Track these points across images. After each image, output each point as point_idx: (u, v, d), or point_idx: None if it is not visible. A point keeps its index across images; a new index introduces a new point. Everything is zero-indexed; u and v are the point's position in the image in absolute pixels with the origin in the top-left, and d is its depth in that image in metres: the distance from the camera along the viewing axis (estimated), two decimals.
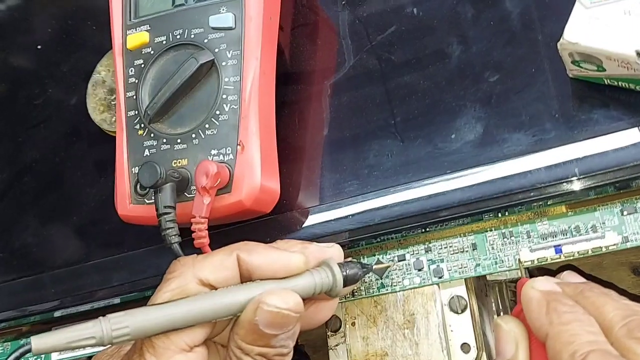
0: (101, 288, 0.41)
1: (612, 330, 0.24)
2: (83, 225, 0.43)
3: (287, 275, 0.30)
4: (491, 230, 0.34)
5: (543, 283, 0.28)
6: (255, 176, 0.35)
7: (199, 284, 0.29)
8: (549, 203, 0.33)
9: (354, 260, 0.33)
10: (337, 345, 0.37)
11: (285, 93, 0.40)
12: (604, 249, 0.32)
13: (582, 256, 0.32)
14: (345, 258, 0.34)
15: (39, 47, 0.48)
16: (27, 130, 0.46)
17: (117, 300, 0.42)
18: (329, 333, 0.37)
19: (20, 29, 0.50)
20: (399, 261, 0.36)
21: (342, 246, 0.36)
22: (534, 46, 0.35)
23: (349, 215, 0.36)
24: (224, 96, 0.35)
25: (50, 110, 0.46)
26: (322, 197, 0.37)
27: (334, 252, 0.33)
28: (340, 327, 0.37)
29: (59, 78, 0.47)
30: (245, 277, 0.30)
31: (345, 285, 0.32)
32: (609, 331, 0.24)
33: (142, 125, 0.37)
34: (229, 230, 0.38)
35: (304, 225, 0.37)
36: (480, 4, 0.37)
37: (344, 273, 0.31)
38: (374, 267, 0.34)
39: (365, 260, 0.37)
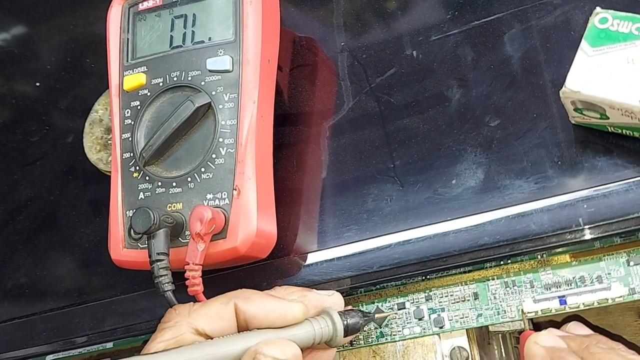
0: (93, 332, 0.40)
1: None
2: (76, 267, 0.42)
3: (285, 325, 0.29)
4: (493, 279, 0.33)
5: (547, 338, 0.27)
6: (251, 221, 0.34)
7: (194, 334, 0.28)
8: (552, 252, 0.32)
9: (355, 308, 0.32)
10: None
11: (283, 134, 0.39)
12: (609, 301, 0.31)
13: (587, 308, 0.31)
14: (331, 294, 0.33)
15: (37, 84, 0.48)
16: (23, 168, 0.46)
17: (109, 345, 0.41)
18: None
19: (19, 65, 0.50)
20: (398, 309, 0.35)
21: (340, 293, 0.35)
22: (536, 91, 0.35)
23: (347, 261, 0.35)
24: (220, 139, 0.35)
25: (47, 148, 0.46)
26: (320, 242, 0.36)
27: (334, 300, 0.32)
28: None
29: (56, 115, 0.47)
30: (243, 327, 0.29)
31: (346, 335, 0.31)
32: None
33: (137, 167, 0.36)
34: (224, 275, 0.37)
35: (301, 271, 0.36)
36: (480, 47, 0.37)
37: (345, 322, 0.30)
38: (375, 316, 0.33)
39: (364, 308, 0.36)
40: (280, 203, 0.37)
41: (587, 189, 0.31)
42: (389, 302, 0.35)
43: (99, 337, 0.40)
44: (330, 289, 0.33)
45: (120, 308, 0.40)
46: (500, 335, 0.37)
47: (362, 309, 0.32)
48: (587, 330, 0.31)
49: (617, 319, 0.44)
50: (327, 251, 0.36)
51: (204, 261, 0.33)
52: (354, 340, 0.35)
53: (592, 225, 0.31)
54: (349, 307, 0.33)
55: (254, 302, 0.29)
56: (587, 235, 0.31)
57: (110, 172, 0.40)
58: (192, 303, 0.30)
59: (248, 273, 0.37)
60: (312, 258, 0.36)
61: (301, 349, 0.28)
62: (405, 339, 0.34)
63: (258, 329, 0.29)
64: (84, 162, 0.42)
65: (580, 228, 0.31)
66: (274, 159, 0.37)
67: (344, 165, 0.37)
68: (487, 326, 0.33)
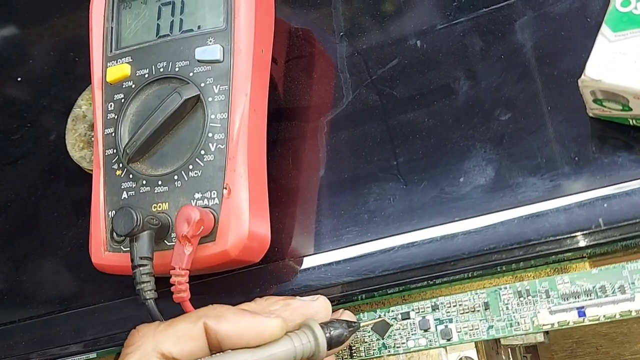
0: (75, 342, 0.37)
1: None
2: (58, 272, 0.39)
3: (262, 343, 0.26)
4: (505, 288, 0.31)
5: None
6: (243, 223, 0.31)
7: (160, 358, 0.25)
8: (569, 257, 0.30)
9: (339, 319, 0.29)
10: None
11: (278, 130, 0.37)
12: (633, 313, 0.28)
13: (608, 320, 0.29)
14: (340, 313, 0.31)
15: (19, 79, 0.46)
16: (3, 167, 0.43)
17: (93, 355, 0.38)
18: None
19: (0, 61, 0.48)
20: (402, 319, 0.32)
21: (339, 300, 0.33)
22: (550, 82, 0.32)
23: (347, 266, 0.32)
24: (210, 135, 0.32)
25: (28, 146, 0.43)
26: (317, 245, 0.34)
27: (319, 306, 0.29)
28: None
29: (38, 112, 0.44)
30: (215, 347, 0.26)
31: (330, 347, 0.28)
32: None
33: (121, 165, 0.34)
34: (214, 281, 0.34)
35: (297, 276, 0.33)
36: (489, 36, 0.34)
37: (328, 334, 0.28)
38: (362, 324, 0.31)
39: (365, 317, 0.33)
40: (275, 203, 0.34)
41: (606, 186, 0.29)
42: (392, 311, 0.33)
43: (81, 347, 0.37)
44: (323, 295, 0.30)
45: (104, 316, 0.37)
46: (509, 347, 0.34)
47: (347, 319, 0.30)
48: None
49: (632, 327, 0.42)
50: (325, 255, 0.33)
51: (191, 266, 0.30)
52: (355, 352, 0.33)
53: (613, 226, 0.28)
54: (340, 311, 0.30)
55: (226, 320, 0.26)
56: (608, 237, 0.28)
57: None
58: (157, 323, 0.28)
59: (239, 278, 0.34)
60: (308, 262, 0.33)
61: None
62: (409, 352, 0.32)
63: (232, 349, 0.26)
64: (67, 161, 0.40)
65: (601, 229, 0.28)
66: (268, 156, 0.34)
67: (343, 163, 0.35)
68: (498, 339, 0.31)
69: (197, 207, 0.31)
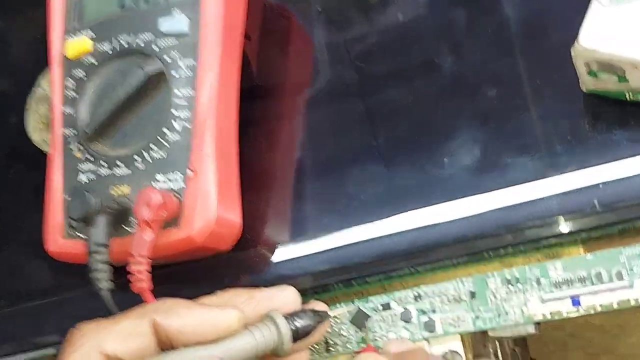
0: (32, 336, 0.35)
1: None
2: (16, 262, 0.37)
3: (218, 337, 0.24)
4: (493, 276, 0.28)
5: None
6: (210, 207, 0.29)
7: (104, 359, 0.23)
8: (562, 242, 0.28)
9: (306, 308, 0.27)
10: None
11: (251, 110, 0.34)
12: (632, 302, 0.26)
13: (605, 310, 0.26)
14: (310, 305, 0.28)
15: None
16: None
17: (52, 351, 0.35)
18: None
19: None
20: (383, 310, 0.30)
21: (315, 291, 0.31)
22: (540, 55, 0.30)
23: (323, 254, 0.30)
24: (175, 112, 0.30)
25: None
26: (292, 231, 0.31)
27: (286, 297, 0.27)
28: None
29: None
30: (165, 345, 0.24)
31: (296, 339, 0.26)
32: None
33: (79, 145, 0.31)
34: (179, 270, 0.32)
35: (270, 265, 0.31)
36: (474, 7, 0.32)
37: (293, 326, 0.25)
38: (332, 313, 0.28)
39: (344, 307, 0.30)
40: (247, 187, 0.32)
41: (602, 165, 0.27)
42: (371, 302, 0.30)
43: (39, 342, 0.35)
44: (297, 285, 0.28)
45: (64, 309, 0.34)
46: (497, 339, 0.32)
47: (315, 309, 0.27)
48: (407, 345, 0.26)
49: (628, 318, 0.40)
50: (300, 242, 0.31)
51: (153, 253, 0.28)
52: (331, 346, 0.30)
53: (609, 208, 0.26)
54: (317, 306, 0.28)
55: (177, 315, 0.24)
56: (604, 220, 0.26)
57: None
58: (100, 320, 0.25)
59: (207, 268, 0.32)
60: (282, 250, 0.31)
61: None
62: None
63: (185, 346, 0.23)
64: (27, 144, 0.37)
65: (596, 211, 0.26)
66: (240, 137, 0.32)
67: (320, 144, 0.33)
68: (485, 331, 0.29)
69: (160, 190, 0.28)
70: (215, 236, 0.30)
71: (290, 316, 0.26)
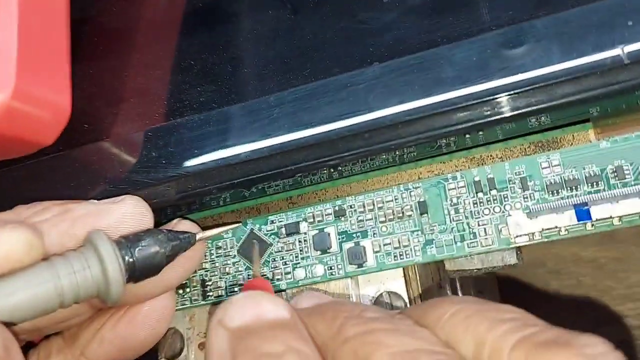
0: None
1: None
2: None
3: None
4: (454, 178, 0.18)
5: (243, 311, 0.14)
6: (4, 74, 0.18)
7: None
8: (562, 120, 0.18)
9: (157, 229, 0.17)
10: None
11: None
12: None
13: (627, 225, 0.17)
14: (173, 224, 0.18)
15: None
16: None
17: None
18: None
19: None
20: (287, 235, 0.20)
21: (189, 207, 0.20)
22: None
23: (198, 146, 0.19)
24: None
25: None
26: (151, 116, 0.20)
27: (122, 212, 0.17)
28: (182, 349, 0.21)
29: None
30: None
31: (136, 279, 0.16)
32: None
33: None
34: None
35: (116, 166, 0.20)
36: None
37: (129, 256, 0.15)
38: (199, 236, 0.18)
39: (224, 227, 0.20)
40: (84, 55, 0.21)
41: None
42: (273, 222, 0.20)
43: None
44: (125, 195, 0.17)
45: None
46: (458, 276, 0.22)
47: (173, 229, 0.17)
48: (322, 299, 0.16)
49: (628, 249, 0.31)
50: (163, 130, 0.20)
51: None
52: (210, 291, 0.20)
53: (635, 58, 0.16)
54: (182, 226, 0.18)
55: None
56: (633, 81, 0.16)
57: None
58: None
59: (19, 173, 0.21)
60: (135, 144, 0.20)
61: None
62: (297, 287, 0.19)
63: None
64: None
65: (622, 65, 0.16)
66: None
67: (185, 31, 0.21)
68: (441, 262, 0.19)
69: None
70: (17, 120, 0.18)
71: (128, 241, 0.16)
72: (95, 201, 0.18)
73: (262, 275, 0.20)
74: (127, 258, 0.16)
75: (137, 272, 0.16)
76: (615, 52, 0.16)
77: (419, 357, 0.12)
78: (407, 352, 0.13)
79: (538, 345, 0.12)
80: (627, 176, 0.17)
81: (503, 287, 0.31)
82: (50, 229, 0.16)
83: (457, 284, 0.24)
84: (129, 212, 0.17)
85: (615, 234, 0.30)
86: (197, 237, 0.18)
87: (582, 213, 0.17)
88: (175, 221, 0.19)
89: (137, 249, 0.16)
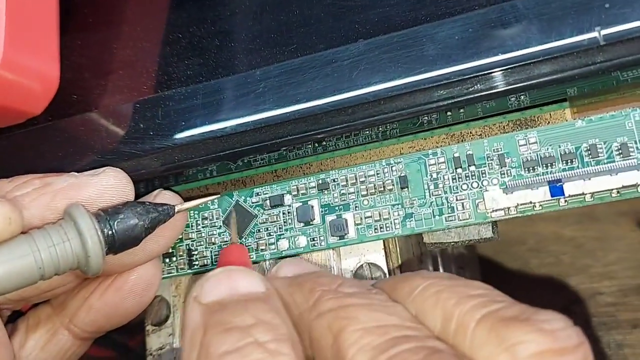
0: None
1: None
2: None
3: None
4: (434, 153, 0.19)
5: (218, 287, 0.15)
6: None
7: None
8: (539, 100, 0.18)
9: (134, 202, 0.18)
10: (161, 349, 0.21)
11: None
12: None
13: (598, 202, 0.17)
14: (153, 196, 0.19)
15: None
16: None
17: None
18: (148, 327, 0.21)
19: None
20: (272, 207, 0.20)
21: (177, 179, 0.21)
22: None
23: (186, 118, 0.20)
24: None
25: None
26: (140, 88, 0.21)
27: (102, 185, 0.18)
28: (167, 317, 0.21)
29: None
30: None
31: (116, 251, 0.17)
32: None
33: None
34: None
35: (104, 137, 0.20)
36: None
37: (108, 228, 0.16)
38: (176, 208, 0.18)
39: (206, 199, 0.21)
40: (74, 27, 0.21)
41: None
42: (258, 195, 0.20)
43: None
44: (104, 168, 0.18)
45: None
46: (439, 249, 0.23)
47: (152, 201, 0.18)
48: (304, 268, 0.17)
49: (607, 228, 0.31)
50: (151, 102, 0.20)
51: None
52: (196, 260, 0.21)
53: (619, 40, 0.16)
54: (162, 197, 0.18)
55: None
56: (609, 61, 0.16)
57: None
58: None
59: (10, 140, 0.21)
60: (125, 115, 0.21)
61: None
62: (280, 256, 0.20)
63: None
64: None
65: (597, 46, 0.16)
66: None
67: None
68: (420, 236, 0.19)
69: None
70: (5, 87, 0.19)
71: (107, 214, 0.17)
72: (76, 174, 0.18)
73: (248, 246, 0.20)
74: (106, 231, 0.16)
75: (116, 244, 0.16)
76: (592, 34, 0.16)
77: (389, 331, 0.13)
78: (378, 327, 0.13)
79: (501, 321, 0.13)
80: (600, 154, 0.17)
81: (484, 264, 0.32)
82: (31, 203, 0.17)
83: (439, 260, 0.25)
84: (110, 184, 0.17)
85: (595, 213, 0.30)
86: (177, 208, 0.18)
87: (556, 189, 0.17)
88: (156, 192, 0.19)
89: (116, 222, 0.16)
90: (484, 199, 0.18)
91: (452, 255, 0.29)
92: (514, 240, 0.31)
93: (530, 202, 0.17)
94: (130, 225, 0.16)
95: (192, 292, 0.14)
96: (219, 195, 0.20)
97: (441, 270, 0.27)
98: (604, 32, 0.16)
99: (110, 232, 0.16)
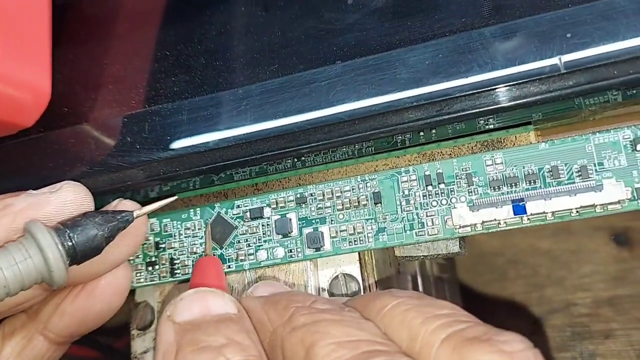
0: None
1: None
2: None
3: None
4: (407, 171, 0.20)
5: (191, 305, 0.16)
6: None
7: None
8: (505, 122, 0.19)
9: (92, 213, 0.18)
10: (145, 352, 0.22)
11: None
12: (598, 209, 0.18)
13: (559, 220, 0.18)
14: (121, 204, 0.19)
15: None
16: None
17: None
18: (134, 332, 0.22)
19: None
20: (251, 219, 0.21)
21: (163, 187, 0.22)
22: None
23: (171, 134, 0.21)
24: None
25: None
26: (129, 103, 0.22)
27: (61, 201, 0.18)
28: (152, 322, 0.22)
29: None
30: None
31: (79, 262, 0.17)
32: None
33: None
34: None
35: (92, 150, 0.21)
36: None
37: (68, 242, 0.17)
38: (135, 214, 0.19)
39: (196, 214, 0.21)
40: (66, 41, 0.22)
41: (570, 7, 0.18)
42: (239, 207, 0.21)
43: None
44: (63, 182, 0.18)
45: None
46: (416, 260, 0.24)
47: (111, 209, 0.19)
48: (278, 288, 0.18)
49: (582, 241, 0.32)
50: (138, 116, 0.21)
51: None
52: (178, 269, 0.22)
53: (579, 68, 0.17)
54: (123, 205, 0.19)
55: None
56: (570, 87, 0.17)
57: None
58: None
59: (2, 151, 0.22)
60: (113, 128, 0.21)
61: None
62: (259, 267, 0.21)
63: None
64: None
65: (559, 74, 0.17)
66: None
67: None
68: (392, 249, 0.20)
69: None
70: None
71: (66, 227, 0.17)
72: (34, 192, 0.18)
73: (228, 256, 0.21)
74: (66, 243, 0.17)
75: (78, 256, 0.17)
76: (554, 61, 0.17)
77: (360, 346, 0.14)
78: (350, 342, 0.14)
79: (464, 341, 0.13)
80: (561, 175, 0.18)
81: (463, 275, 0.33)
82: None
83: (417, 272, 0.26)
84: (69, 200, 0.18)
85: (570, 227, 0.31)
86: (135, 214, 0.19)
87: (519, 208, 0.18)
88: (115, 201, 0.20)
89: (76, 234, 0.17)
90: (451, 216, 0.19)
91: (431, 267, 0.30)
92: (493, 252, 0.32)
93: (495, 220, 0.18)
94: (90, 235, 0.17)
95: (166, 310, 0.15)
96: (174, 198, 0.20)
97: (419, 281, 0.28)
98: (565, 59, 0.17)
99: (70, 244, 0.17)
